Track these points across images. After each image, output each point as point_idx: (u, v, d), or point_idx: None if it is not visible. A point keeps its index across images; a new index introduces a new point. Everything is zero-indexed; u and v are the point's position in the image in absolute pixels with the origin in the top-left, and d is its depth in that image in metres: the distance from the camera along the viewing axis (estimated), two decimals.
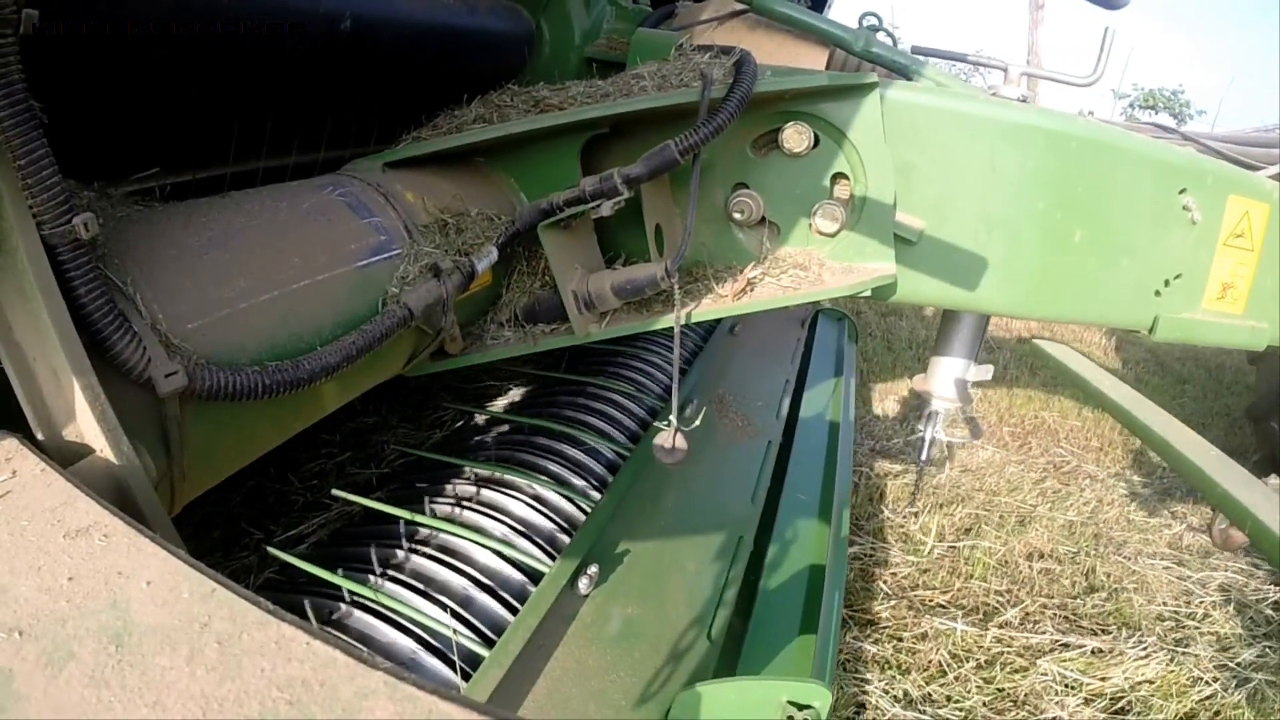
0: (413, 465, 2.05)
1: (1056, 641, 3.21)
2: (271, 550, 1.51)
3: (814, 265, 1.82)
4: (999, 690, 2.92)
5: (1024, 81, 1.96)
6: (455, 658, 1.29)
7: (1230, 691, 3.03)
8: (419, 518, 1.60)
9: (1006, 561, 3.72)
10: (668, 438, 1.59)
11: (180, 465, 1.10)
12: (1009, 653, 3.11)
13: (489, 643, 1.32)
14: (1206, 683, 3.05)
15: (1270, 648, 3.30)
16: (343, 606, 1.38)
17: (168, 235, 1.16)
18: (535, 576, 1.51)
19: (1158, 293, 1.93)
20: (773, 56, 2.11)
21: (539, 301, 1.86)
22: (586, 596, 1.47)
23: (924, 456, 2.48)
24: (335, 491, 1.70)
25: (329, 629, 1.34)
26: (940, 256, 1.82)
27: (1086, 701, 2.92)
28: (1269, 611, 3.56)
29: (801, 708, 1.29)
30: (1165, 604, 3.56)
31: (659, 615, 1.55)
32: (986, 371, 2.32)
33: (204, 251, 1.19)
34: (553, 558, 1.57)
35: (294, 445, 1.56)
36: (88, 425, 0.93)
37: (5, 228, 0.86)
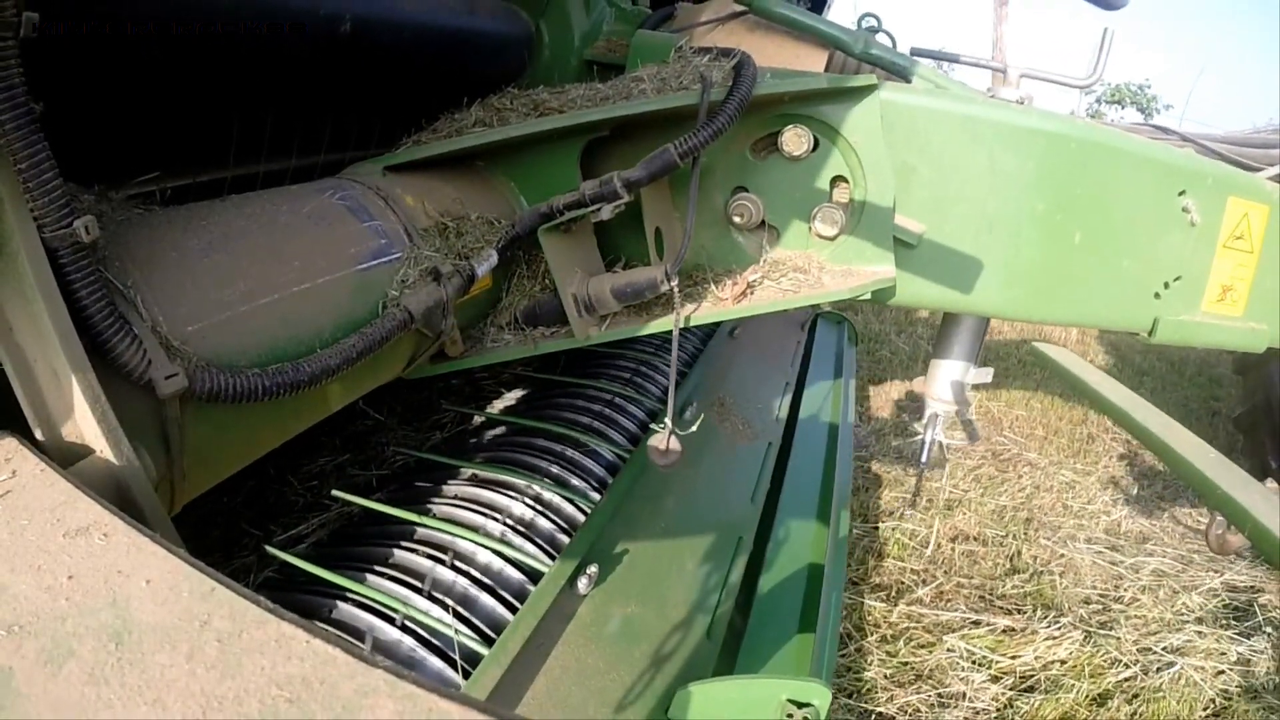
0: (413, 466, 2.06)
1: (967, 619, 3.18)
2: (271, 550, 1.51)
3: (813, 268, 1.82)
4: (902, 664, 2.91)
5: (1022, 83, 1.96)
6: (456, 656, 1.29)
7: (1151, 674, 3.00)
8: (419, 518, 1.60)
9: (928, 543, 3.69)
10: (662, 440, 1.59)
11: (180, 466, 1.11)
12: (916, 629, 3.09)
13: (488, 641, 1.32)
14: (1126, 664, 3.02)
15: (1200, 633, 3.24)
16: (342, 605, 1.38)
17: (168, 238, 1.17)
18: (535, 576, 1.51)
19: (1157, 295, 1.92)
20: (772, 58, 2.11)
21: (539, 304, 1.86)
22: (586, 596, 1.47)
23: (924, 459, 2.48)
24: (335, 492, 1.71)
25: (329, 627, 1.34)
26: (940, 259, 1.82)
27: (994, 679, 2.89)
28: (1199, 598, 3.51)
29: (801, 705, 1.29)
30: (1094, 587, 3.52)
31: (658, 614, 1.55)
32: (986, 374, 2.32)
33: (204, 254, 1.19)
34: (552, 558, 1.57)
35: (294, 446, 1.56)
36: (88, 426, 0.93)
37: (6, 230, 0.87)
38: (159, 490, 1.06)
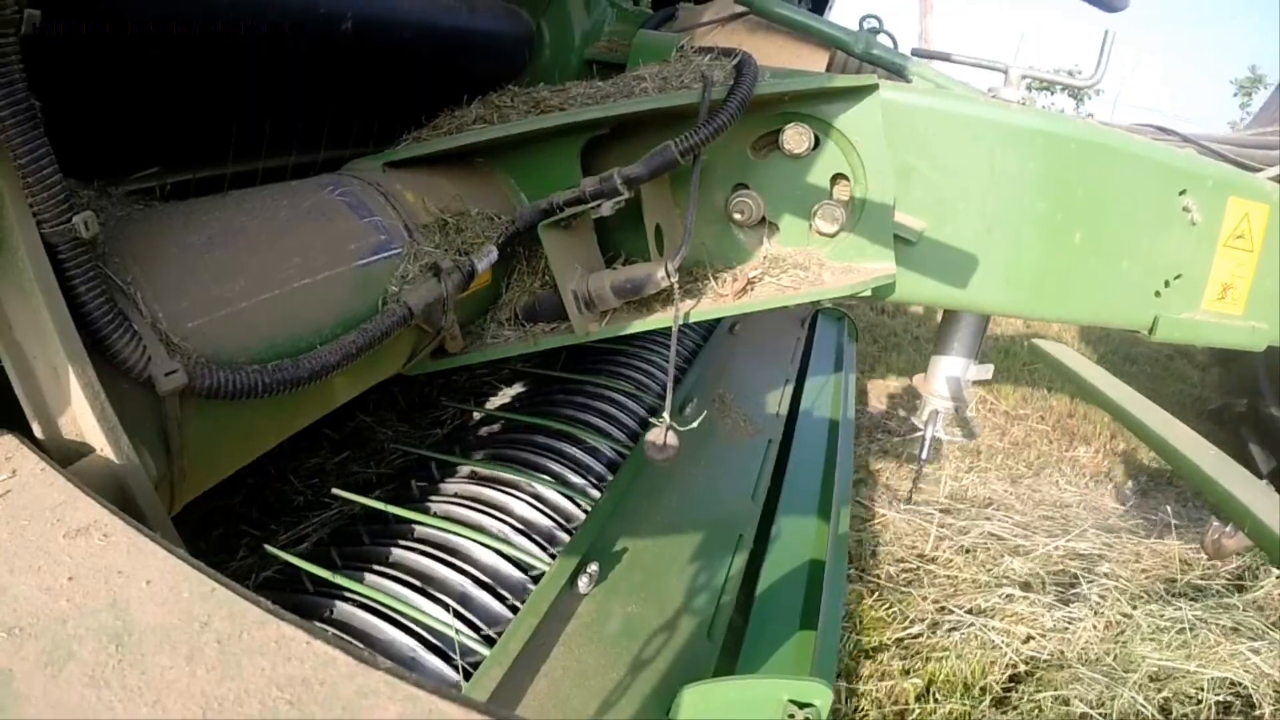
0: (413, 464, 2.05)
1: None
2: (270, 550, 1.51)
3: (814, 265, 1.82)
4: None
5: (1023, 84, 1.96)
6: (456, 656, 1.29)
7: (940, 633, 2.84)
8: (419, 516, 1.60)
9: None
10: (659, 435, 1.59)
11: (180, 464, 1.10)
12: None
13: (489, 641, 1.32)
14: (915, 621, 2.87)
15: (1011, 596, 3.06)
16: (342, 605, 1.38)
17: (168, 234, 1.16)
18: (535, 575, 1.51)
19: (1158, 293, 1.93)
20: (773, 58, 2.10)
21: (539, 301, 1.86)
22: (586, 595, 1.47)
23: (924, 455, 2.48)
24: (335, 490, 1.70)
25: (329, 628, 1.34)
26: (941, 257, 1.82)
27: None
28: (1028, 563, 3.34)
29: (802, 705, 1.28)
30: (913, 547, 3.35)
31: (659, 613, 1.55)
32: (986, 371, 2.33)
33: (204, 250, 1.19)
34: (553, 556, 1.57)
35: (294, 444, 1.56)
36: (87, 424, 0.93)
37: (6, 226, 0.86)
38: (159, 489, 1.06)
